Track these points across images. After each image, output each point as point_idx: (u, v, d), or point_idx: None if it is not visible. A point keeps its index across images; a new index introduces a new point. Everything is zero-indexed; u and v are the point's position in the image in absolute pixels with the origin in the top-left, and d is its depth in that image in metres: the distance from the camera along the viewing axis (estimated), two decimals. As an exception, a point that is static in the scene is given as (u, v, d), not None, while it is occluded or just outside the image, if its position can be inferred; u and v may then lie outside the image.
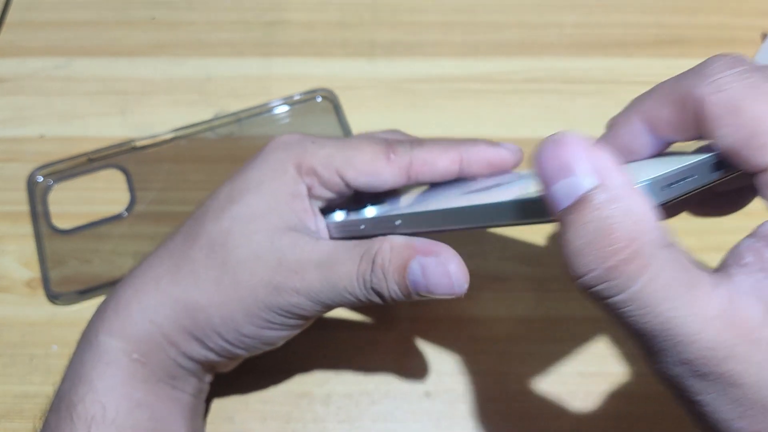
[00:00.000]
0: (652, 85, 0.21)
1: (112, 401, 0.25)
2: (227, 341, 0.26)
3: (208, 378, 0.29)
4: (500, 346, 0.35)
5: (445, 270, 0.24)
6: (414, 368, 0.34)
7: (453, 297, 0.24)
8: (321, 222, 0.28)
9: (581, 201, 0.17)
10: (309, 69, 0.43)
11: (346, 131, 0.40)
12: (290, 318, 0.26)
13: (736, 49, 0.44)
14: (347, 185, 0.27)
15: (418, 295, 0.25)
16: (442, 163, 0.27)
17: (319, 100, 0.41)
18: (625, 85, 0.42)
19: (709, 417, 0.17)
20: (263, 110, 0.41)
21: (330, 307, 0.26)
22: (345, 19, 0.45)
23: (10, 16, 0.45)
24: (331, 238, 0.28)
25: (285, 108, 0.41)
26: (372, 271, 0.25)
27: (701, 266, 0.17)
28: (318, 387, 0.33)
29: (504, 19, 0.45)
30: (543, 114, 0.42)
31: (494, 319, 0.35)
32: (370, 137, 0.28)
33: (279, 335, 0.27)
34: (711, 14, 0.45)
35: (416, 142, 0.28)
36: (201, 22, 0.45)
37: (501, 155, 0.28)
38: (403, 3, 0.46)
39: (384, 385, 0.34)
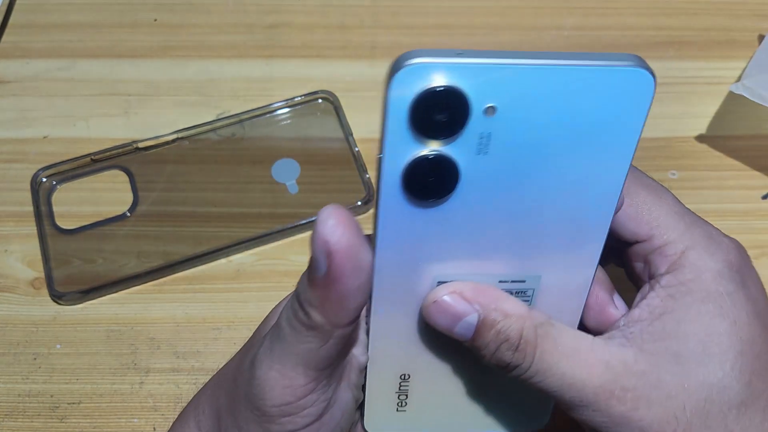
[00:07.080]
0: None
1: None
2: None
3: None
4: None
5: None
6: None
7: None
8: None
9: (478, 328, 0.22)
10: (310, 71, 0.44)
11: (346, 132, 0.40)
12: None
13: (734, 50, 0.44)
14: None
15: None
16: None
17: (320, 101, 0.42)
18: (623, 87, 0.42)
19: None
20: (265, 112, 0.41)
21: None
22: (345, 21, 0.45)
23: (14, 18, 0.45)
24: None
25: (286, 110, 0.41)
26: None
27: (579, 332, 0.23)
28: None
29: (502, 21, 0.45)
30: (542, 115, 0.42)
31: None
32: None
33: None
34: (708, 16, 0.45)
35: None
36: (203, 24, 0.45)
37: None
38: (402, 6, 0.46)
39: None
